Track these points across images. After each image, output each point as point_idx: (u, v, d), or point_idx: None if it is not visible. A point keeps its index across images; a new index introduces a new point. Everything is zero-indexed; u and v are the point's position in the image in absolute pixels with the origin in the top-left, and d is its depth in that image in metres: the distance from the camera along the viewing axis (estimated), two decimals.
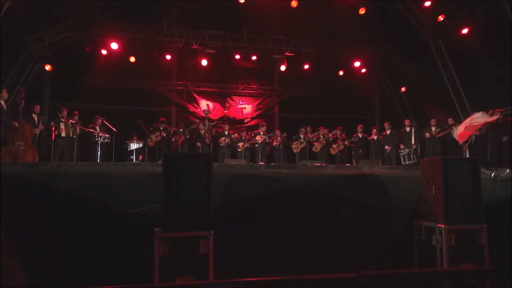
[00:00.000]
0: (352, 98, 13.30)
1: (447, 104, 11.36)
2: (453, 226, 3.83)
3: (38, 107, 8.51)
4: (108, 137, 9.22)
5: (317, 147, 10.76)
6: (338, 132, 10.85)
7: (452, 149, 9.68)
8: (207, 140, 10.42)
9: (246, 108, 13.53)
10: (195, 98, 13.21)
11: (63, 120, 8.74)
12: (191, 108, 13.12)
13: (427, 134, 10.04)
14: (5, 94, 7.56)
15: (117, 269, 3.73)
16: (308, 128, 11.20)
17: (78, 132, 8.76)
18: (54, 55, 11.10)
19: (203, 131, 10.55)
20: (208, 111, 12.45)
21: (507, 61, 8.72)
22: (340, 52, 13.05)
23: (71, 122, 8.77)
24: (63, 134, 8.65)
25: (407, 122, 10.64)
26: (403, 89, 13.28)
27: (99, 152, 8.99)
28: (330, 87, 13.25)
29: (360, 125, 11.09)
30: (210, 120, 11.65)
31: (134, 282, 3.42)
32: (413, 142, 10.13)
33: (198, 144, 10.42)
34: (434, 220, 4.00)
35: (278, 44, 12.61)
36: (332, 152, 10.77)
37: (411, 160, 9.85)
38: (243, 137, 10.77)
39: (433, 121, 10.23)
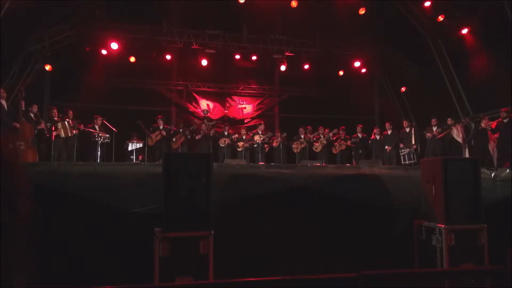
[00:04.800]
0: (352, 98, 13.29)
1: (447, 104, 11.37)
2: (453, 226, 3.83)
3: (36, 106, 8.49)
4: (108, 137, 9.21)
5: (317, 147, 10.75)
6: (341, 131, 10.85)
7: (452, 149, 9.68)
8: (211, 133, 10.43)
9: (246, 108, 13.52)
10: (195, 98, 13.20)
11: (56, 119, 8.70)
12: (191, 108, 13.12)
13: (428, 134, 10.03)
14: (3, 93, 7.54)
15: (117, 269, 3.73)
16: (308, 128, 11.18)
17: (76, 128, 8.69)
18: (54, 55, 11.08)
19: (203, 131, 10.54)
20: (207, 110, 12.44)
21: (507, 61, 8.71)
22: (340, 52, 13.04)
23: (67, 121, 8.74)
24: (62, 135, 8.63)
25: (405, 123, 10.64)
26: (403, 89, 13.28)
27: (99, 152, 8.98)
28: (330, 87, 13.24)
29: (360, 125, 11.10)
30: (210, 120, 11.64)
31: (134, 282, 3.42)
32: (413, 142, 10.12)
33: (198, 136, 10.40)
34: (434, 220, 4.00)
35: (278, 44, 12.60)
36: (334, 151, 10.76)
37: (411, 160, 9.84)
38: (243, 137, 10.76)
39: (433, 121, 10.22)
